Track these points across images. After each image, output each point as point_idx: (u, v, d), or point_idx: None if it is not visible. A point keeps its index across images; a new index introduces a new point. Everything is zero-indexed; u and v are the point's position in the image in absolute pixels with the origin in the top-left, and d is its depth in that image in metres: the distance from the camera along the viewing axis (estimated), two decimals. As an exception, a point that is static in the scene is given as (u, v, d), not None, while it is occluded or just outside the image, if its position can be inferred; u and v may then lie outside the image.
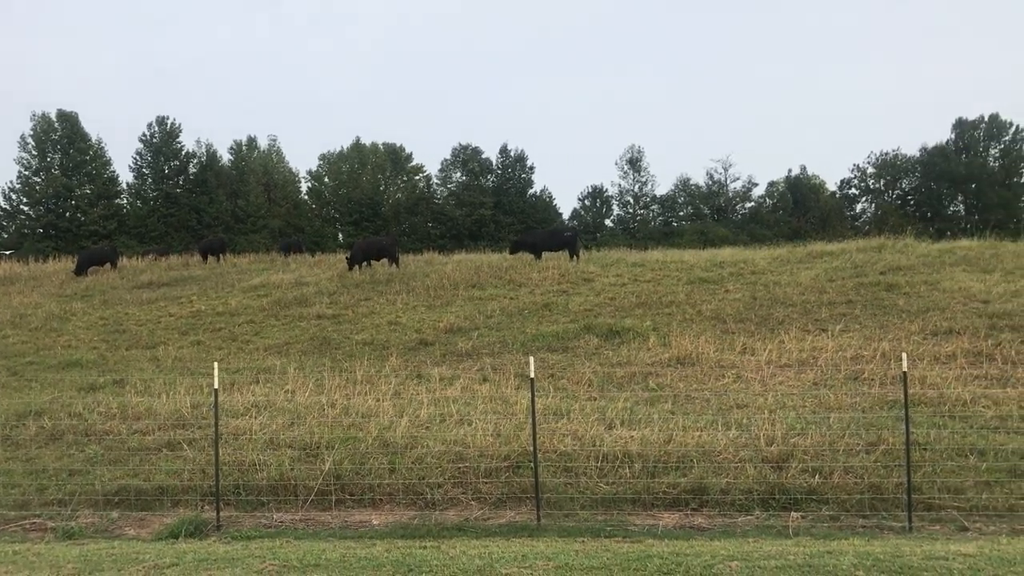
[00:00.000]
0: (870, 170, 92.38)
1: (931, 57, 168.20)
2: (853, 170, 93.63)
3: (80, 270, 38.75)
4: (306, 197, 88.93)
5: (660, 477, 10.70)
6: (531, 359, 10.29)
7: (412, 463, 11.20)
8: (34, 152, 77.86)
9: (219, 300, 29.38)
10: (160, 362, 21.27)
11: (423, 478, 10.81)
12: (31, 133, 78.05)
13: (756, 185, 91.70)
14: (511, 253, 33.35)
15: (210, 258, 41.87)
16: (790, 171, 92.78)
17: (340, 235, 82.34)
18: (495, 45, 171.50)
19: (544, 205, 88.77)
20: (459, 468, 11.00)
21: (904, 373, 9.98)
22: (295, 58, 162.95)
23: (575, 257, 31.72)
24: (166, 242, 65.30)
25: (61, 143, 78.11)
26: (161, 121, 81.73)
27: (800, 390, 15.27)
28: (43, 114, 78.44)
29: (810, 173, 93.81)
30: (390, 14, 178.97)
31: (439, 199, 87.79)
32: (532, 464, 10.71)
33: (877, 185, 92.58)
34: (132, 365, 20.94)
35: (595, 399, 15.13)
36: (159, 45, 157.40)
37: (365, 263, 33.52)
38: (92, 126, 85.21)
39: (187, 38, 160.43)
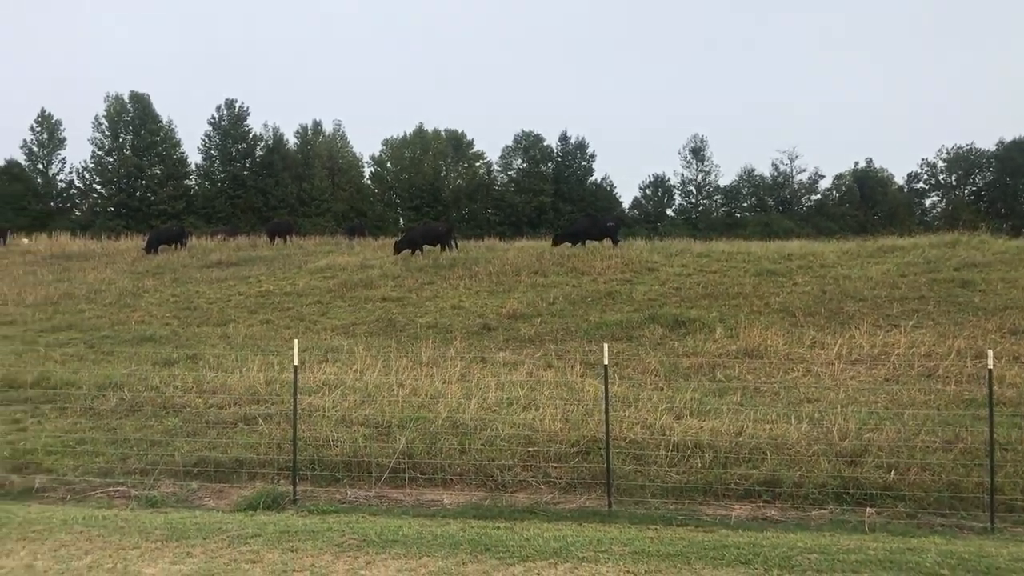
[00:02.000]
0: (940, 164, 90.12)
1: (1009, 49, 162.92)
2: (922, 164, 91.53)
3: (150, 248, 39.70)
4: (369, 182, 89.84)
5: (731, 468, 10.63)
6: (605, 346, 10.29)
7: (482, 445, 11.29)
8: (107, 132, 79.99)
9: (286, 281, 29.85)
10: (231, 339, 21.69)
11: (493, 460, 10.90)
12: (104, 114, 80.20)
13: (823, 177, 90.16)
14: (554, 245, 32.99)
15: (277, 240, 42.56)
16: (856, 164, 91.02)
17: (401, 220, 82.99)
18: (559, 31, 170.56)
19: (604, 193, 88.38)
20: (528, 452, 11.06)
21: (990, 371, 9.76)
22: (360, 45, 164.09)
23: (614, 244, 31.81)
24: (233, 223, 66.54)
25: (133, 124, 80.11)
26: (229, 104, 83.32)
27: (872, 386, 15.01)
28: (116, 95, 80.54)
29: (877, 166, 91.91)
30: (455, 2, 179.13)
31: (499, 186, 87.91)
32: (602, 450, 10.74)
33: (948, 180, 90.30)
34: (204, 341, 21.39)
35: (661, 389, 15.08)
36: (227, 30, 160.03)
37: (418, 249, 33.61)
38: (163, 108, 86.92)
39: (255, 24, 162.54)
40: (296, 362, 10.87)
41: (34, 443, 12.21)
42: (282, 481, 10.72)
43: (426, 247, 33.88)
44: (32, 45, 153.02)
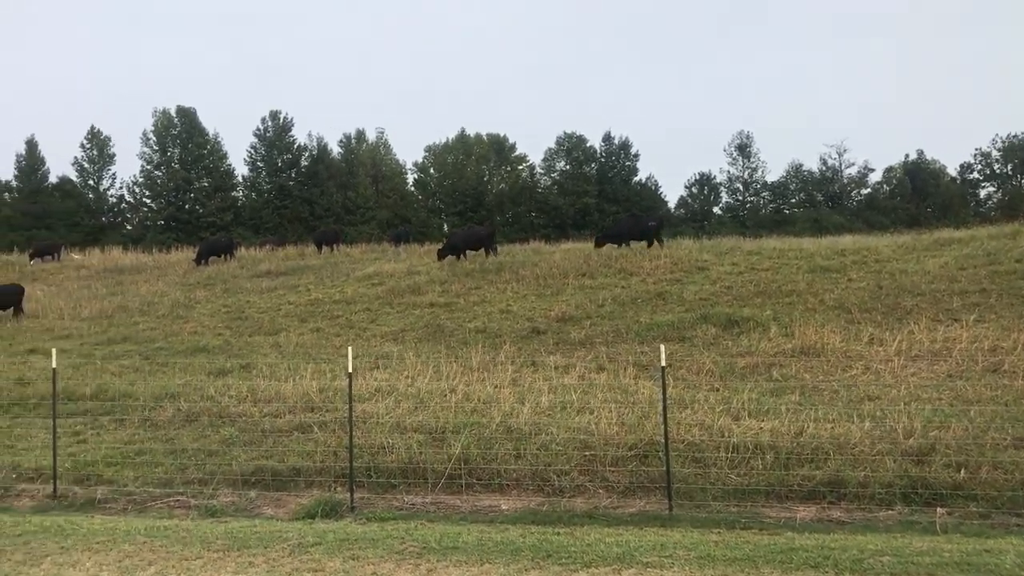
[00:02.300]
0: (995, 154, 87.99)
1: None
2: (975, 154, 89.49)
3: (200, 260, 40.26)
4: (412, 188, 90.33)
5: (793, 469, 10.38)
6: (661, 348, 10.12)
7: (538, 450, 11.17)
8: (155, 147, 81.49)
9: (335, 289, 30.04)
10: (282, 348, 21.85)
11: (549, 465, 10.77)
12: (152, 129, 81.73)
13: (872, 171, 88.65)
14: (597, 247, 32.62)
15: (324, 248, 42.90)
16: (907, 156, 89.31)
17: (445, 225, 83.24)
18: (599, 31, 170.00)
19: (649, 193, 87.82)
20: (585, 456, 10.92)
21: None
22: (400, 53, 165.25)
23: (660, 245, 31.44)
24: (280, 233, 67.31)
25: (180, 138, 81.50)
26: (274, 115, 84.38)
27: (934, 382, 14.63)
28: (164, 110, 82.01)
29: (929, 158, 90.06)
30: (494, 3, 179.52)
31: (542, 188, 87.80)
32: (660, 453, 10.57)
33: (1004, 170, 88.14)
34: (256, 351, 21.58)
35: (717, 389, 14.85)
36: (270, 43, 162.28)
37: (461, 254, 33.55)
38: (209, 121, 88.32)
39: (297, 36, 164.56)
40: (350, 369, 10.86)
41: (94, 455, 12.37)
42: (339, 489, 10.71)
43: (470, 252, 33.83)
44: (80, 64, 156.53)
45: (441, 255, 33.45)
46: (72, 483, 11.29)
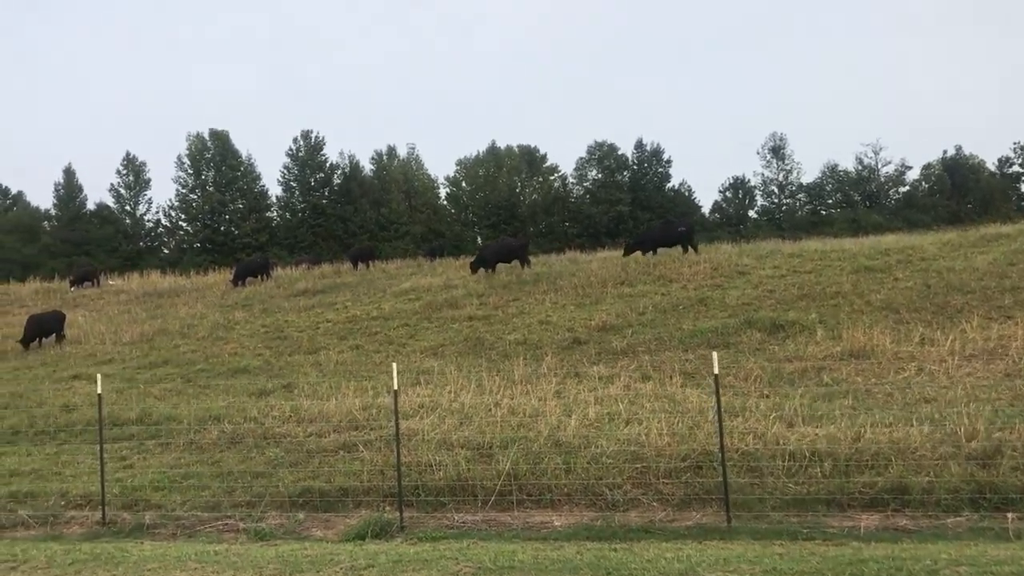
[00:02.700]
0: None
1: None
2: (1015, 147, 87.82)
3: (237, 281, 40.49)
4: (445, 202, 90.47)
5: (853, 476, 10.05)
6: (714, 355, 9.83)
7: (588, 463, 10.93)
8: (190, 171, 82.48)
9: (372, 305, 30.00)
10: (323, 367, 21.81)
11: (600, 479, 10.53)
12: (187, 152, 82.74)
13: (910, 168, 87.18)
14: (625, 255, 32.20)
15: (360, 265, 42.99)
16: (945, 152, 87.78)
17: (479, 238, 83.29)
18: (625, 37, 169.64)
19: (683, 199, 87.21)
20: (636, 468, 10.66)
21: None
22: (428, 68, 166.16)
23: (695, 250, 30.98)
24: (315, 251, 67.65)
25: (214, 160, 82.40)
26: (306, 135, 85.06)
27: (992, 382, 14.21)
28: (197, 134, 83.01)
29: (967, 153, 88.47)
30: (518, 15, 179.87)
31: (575, 198, 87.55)
32: (715, 464, 10.31)
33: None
34: (296, 370, 21.56)
35: (766, 396, 14.52)
36: (299, 64, 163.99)
37: (494, 266, 33.34)
38: (241, 143, 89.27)
39: (326, 55, 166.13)
40: (395, 387, 10.70)
41: (141, 479, 12.34)
42: (387, 508, 10.55)
43: (503, 264, 33.62)
44: (115, 91, 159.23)
45: (474, 268, 33.31)
46: (120, 509, 11.26)
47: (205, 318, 31.57)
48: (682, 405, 13.69)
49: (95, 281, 45.67)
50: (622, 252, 33.05)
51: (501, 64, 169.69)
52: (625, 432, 11.95)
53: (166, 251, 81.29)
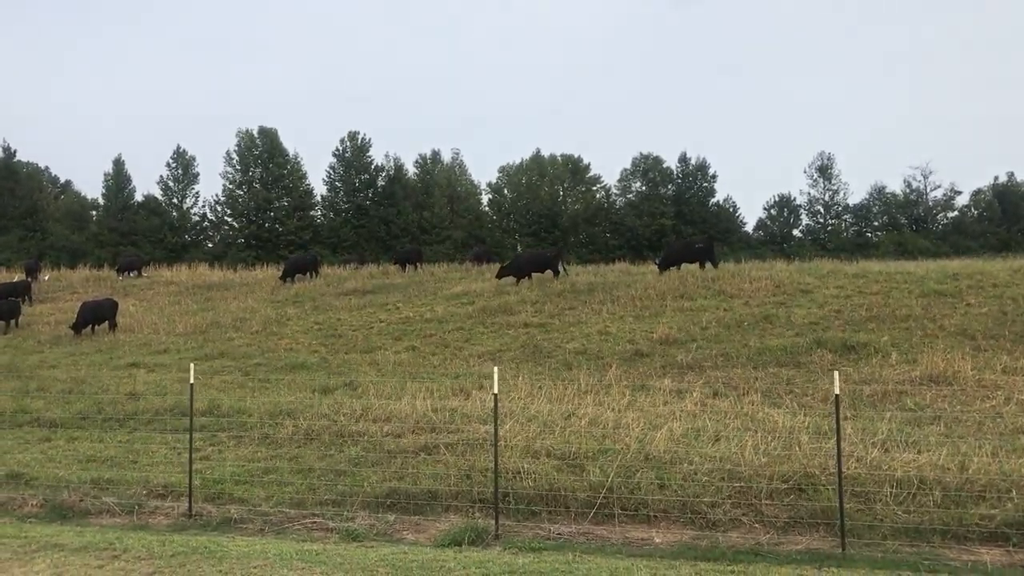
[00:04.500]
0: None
1: None
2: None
3: (285, 277, 40.60)
4: (487, 209, 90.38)
5: (967, 507, 9.63)
6: (835, 375, 9.42)
7: (682, 480, 10.61)
8: (238, 167, 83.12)
9: (425, 307, 29.85)
10: (380, 366, 21.67)
11: (697, 496, 10.20)
12: (235, 149, 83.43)
13: (959, 193, 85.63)
14: (661, 272, 31.85)
15: (408, 267, 42.95)
16: (996, 178, 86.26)
17: (519, 246, 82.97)
18: (675, 51, 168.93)
19: (727, 215, 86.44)
20: (734, 487, 10.32)
21: None
22: (476, 75, 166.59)
23: (714, 266, 31.10)
24: (358, 251, 67.81)
25: (262, 158, 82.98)
26: (352, 136, 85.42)
27: (1089, 413, 13.68)
28: (247, 131, 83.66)
29: (1019, 180, 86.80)
30: (566, 26, 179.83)
31: (618, 209, 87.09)
32: (820, 486, 9.96)
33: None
34: (354, 369, 21.44)
35: (848, 418, 14.10)
36: (351, 68, 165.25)
37: (525, 276, 33.04)
38: (289, 141, 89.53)
39: (375, 60, 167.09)
40: (495, 390, 10.44)
41: (220, 472, 12.19)
42: (477, 514, 10.28)
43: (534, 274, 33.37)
44: (167, 86, 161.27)
45: (501, 275, 32.94)
46: (203, 501, 11.10)
47: (257, 313, 31.59)
48: (764, 424, 13.33)
49: (139, 271, 46.09)
50: (658, 270, 32.62)
51: (548, 74, 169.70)
52: (715, 450, 11.61)
53: (211, 245, 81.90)
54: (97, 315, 30.01)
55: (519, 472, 11.02)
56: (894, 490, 10.03)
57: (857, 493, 10.06)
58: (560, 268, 33.14)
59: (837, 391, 9.33)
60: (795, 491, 10.19)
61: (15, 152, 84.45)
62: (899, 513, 9.64)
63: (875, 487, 10.10)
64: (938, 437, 12.43)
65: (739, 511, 9.96)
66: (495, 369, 10.76)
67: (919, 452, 11.31)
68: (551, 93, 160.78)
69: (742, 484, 10.32)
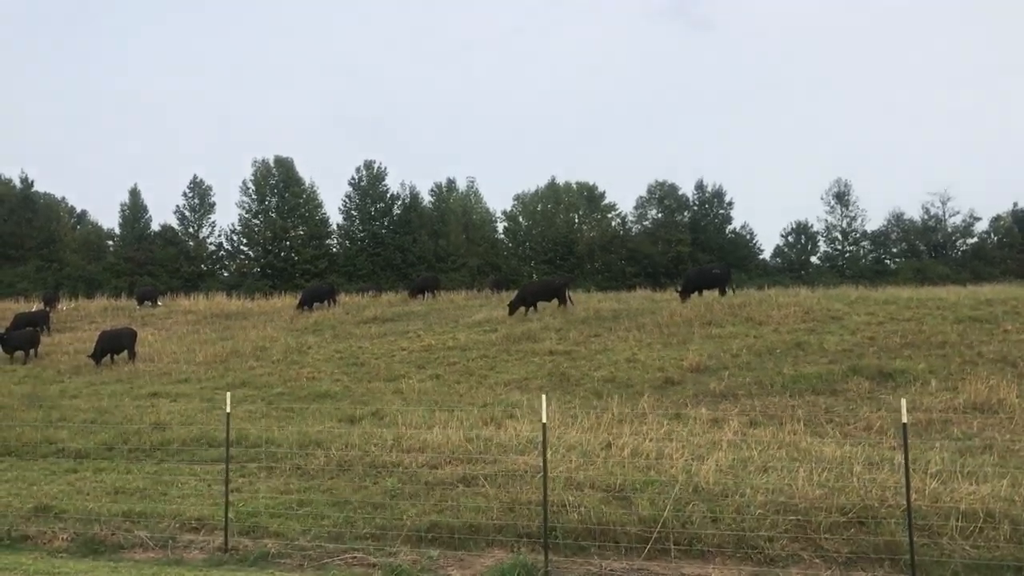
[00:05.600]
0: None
1: None
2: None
3: (303, 305, 40.53)
4: (502, 236, 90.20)
5: (1039, 542, 9.20)
6: (903, 402, 8.99)
7: (735, 512, 10.20)
8: (254, 196, 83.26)
9: (447, 335, 29.55)
10: (404, 395, 21.34)
11: (753, 530, 9.78)
12: (251, 178, 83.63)
13: (978, 219, 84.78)
14: (683, 300, 31.62)
15: (426, 295, 42.80)
16: (1016, 204, 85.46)
17: (534, 274, 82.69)
18: (689, 77, 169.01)
19: (743, 242, 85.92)
20: (791, 521, 9.90)
21: None
22: (489, 102, 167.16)
23: (733, 292, 31.62)
24: (374, 280, 67.67)
25: (278, 187, 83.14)
26: (368, 165, 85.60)
27: None
28: (263, 160, 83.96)
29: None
30: (581, 51, 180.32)
31: (634, 236, 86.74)
32: (879, 519, 9.55)
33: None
34: (379, 398, 21.11)
35: (895, 448, 13.67)
36: (364, 97, 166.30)
37: (532, 306, 32.77)
38: (305, 170, 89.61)
39: (390, 90, 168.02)
40: (544, 419, 10.07)
41: (254, 505, 11.84)
42: (523, 549, 9.88)
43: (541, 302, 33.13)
44: (182, 115, 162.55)
45: (512, 308, 32.52)
46: (238, 534, 10.74)
47: (277, 341, 31.35)
48: (810, 454, 12.92)
49: (154, 301, 46.09)
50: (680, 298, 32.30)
51: (563, 101, 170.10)
52: (765, 481, 11.20)
53: (226, 274, 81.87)
54: (116, 344, 29.81)
55: (564, 504, 10.62)
56: (959, 523, 9.61)
57: (920, 527, 9.63)
58: (567, 298, 32.79)
59: (905, 420, 8.91)
60: (855, 524, 9.77)
61: (32, 183, 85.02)
62: (967, 548, 9.21)
63: (939, 520, 9.69)
64: (993, 467, 12.00)
65: (797, 545, 9.55)
66: (543, 397, 10.39)
67: (978, 483, 10.88)
68: (567, 121, 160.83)
69: (798, 517, 9.91)
